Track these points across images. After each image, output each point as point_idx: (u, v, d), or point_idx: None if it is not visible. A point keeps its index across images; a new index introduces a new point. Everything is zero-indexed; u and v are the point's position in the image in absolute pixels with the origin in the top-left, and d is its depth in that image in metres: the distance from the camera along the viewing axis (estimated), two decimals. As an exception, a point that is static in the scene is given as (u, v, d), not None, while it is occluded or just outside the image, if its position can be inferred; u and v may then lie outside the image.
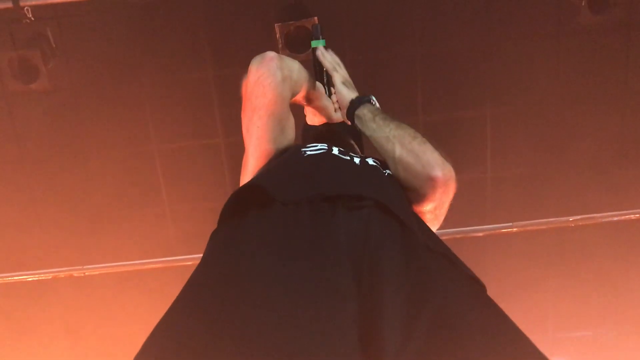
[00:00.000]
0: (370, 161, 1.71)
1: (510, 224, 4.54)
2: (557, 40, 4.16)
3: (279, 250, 1.20)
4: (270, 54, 1.73)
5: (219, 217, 1.40)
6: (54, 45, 3.93)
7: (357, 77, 4.19)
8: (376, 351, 1.05)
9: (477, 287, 1.30)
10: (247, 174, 1.77)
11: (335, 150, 1.71)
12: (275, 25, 3.71)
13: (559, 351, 5.01)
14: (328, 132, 2.10)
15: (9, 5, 3.66)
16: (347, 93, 1.96)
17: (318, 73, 2.07)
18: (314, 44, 2.09)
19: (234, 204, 1.40)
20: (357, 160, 1.68)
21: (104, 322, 4.80)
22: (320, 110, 2.07)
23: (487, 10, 4.09)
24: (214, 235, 1.35)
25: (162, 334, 1.06)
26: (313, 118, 2.16)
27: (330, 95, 2.09)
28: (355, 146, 2.15)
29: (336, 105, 2.10)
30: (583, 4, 3.70)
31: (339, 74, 2.04)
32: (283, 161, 1.61)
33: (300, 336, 1.01)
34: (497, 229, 4.55)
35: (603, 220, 4.51)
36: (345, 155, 1.69)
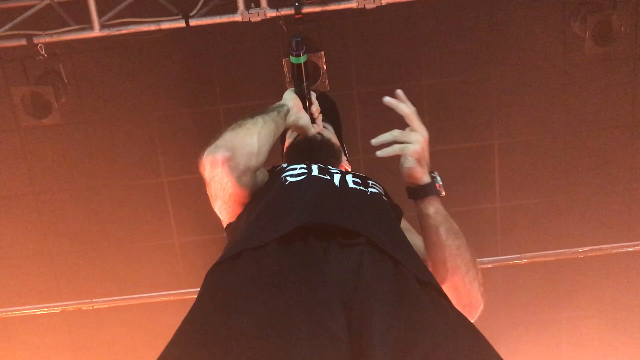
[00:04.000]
0: (350, 181, 1.69)
1: (519, 255, 4.51)
2: (564, 71, 4.19)
3: (271, 291, 1.20)
4: (221, 156, 1.59)
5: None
6: (65, 81, 3.99)
7: (365, 110, 4.24)
8: None
9: (466, 320, 1.30)
10: (224, 221, 1.77)
11: (314, 170, 1.71)
12: (283, 60, 3.76)
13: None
14: (306, 144, 2.02)
15: (23, 42, 3.73)
16: (422, 172, 1.65)
17: (298, 86, 1.99)
18: (294, 60, 1.91)
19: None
20: (337, 179, 1.67)
21: (112, 355, 4.77)
22: (297, 129, 2.01)
23: (494, 42, 4.13)
24: (210, 274, 1.36)
25: None
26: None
27: (309, 107, 1.98)
28: (338, 142, 2.13)
29: (315, 116, 2.01)
30: (587, 36, 3.74)
31: (414, 146, 1.66)
32: (268, 203, 1.58)
33: None
34: (505, 260, 4.52)
35: (613, 251, 4.48)
36: (325, 175, 1.69)
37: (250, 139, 1.66)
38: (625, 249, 4.47)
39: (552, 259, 4.50)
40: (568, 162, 4.35)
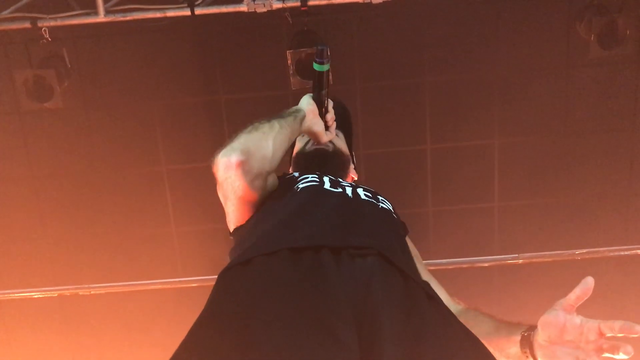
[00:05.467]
0: (362, 194, 1.71)
1: (516, 255, 4.52)
2: (567, 73, 4.18)
3: (283, 298, 1.21)
4: (235, 159, 1.62)
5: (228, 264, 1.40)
6: (69, 66, 3.98)
7: (367, 105, 4.24)
8: None
9: (471, 334, 1.31)
10: (232, 222, 1.78)
11: (326, 183, 1.72)
12: (287, 52, 3.76)
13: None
14: (317, 156, 2.06)
15: (27, 25, 3.72)
16: None
17: (317, 93, 1.98)
18: (317, 67, 1.92)
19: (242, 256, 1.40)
20: (349, 191, 1.69)
21: (108, 341, 4.79)
22: (310, 134, 2.03)
23: (497, 42, 4.13)
24: (221, 279, 1.36)
25: None
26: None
27: (325, 115, 2.00)
28: (348, 150, 2.16)
29: (330, 124, 2.03)
30: (592, 39, 3.73)
31: None
32: (281, 213, 1.60)
33: None
34: (503, 259, 4.53)
35: (610, 254, 4.48)
36: (336, 187, 1.70)
37: (265, 143, 1.68)
38: (622, 253, 4.48)
39: (549, 260, 4.51)
40: (568, 163, 4.35)
